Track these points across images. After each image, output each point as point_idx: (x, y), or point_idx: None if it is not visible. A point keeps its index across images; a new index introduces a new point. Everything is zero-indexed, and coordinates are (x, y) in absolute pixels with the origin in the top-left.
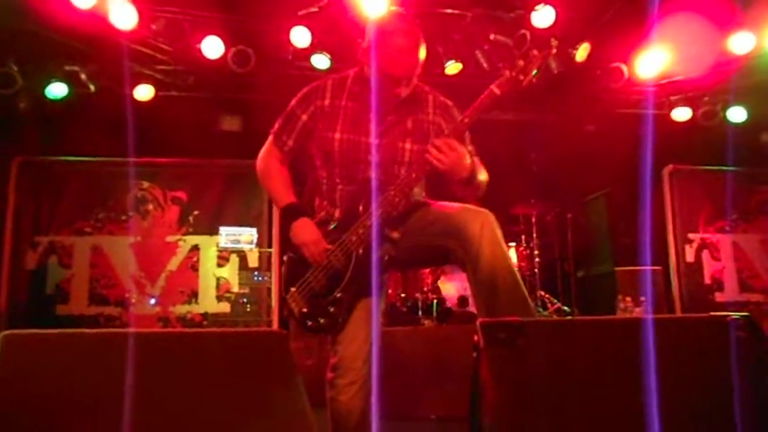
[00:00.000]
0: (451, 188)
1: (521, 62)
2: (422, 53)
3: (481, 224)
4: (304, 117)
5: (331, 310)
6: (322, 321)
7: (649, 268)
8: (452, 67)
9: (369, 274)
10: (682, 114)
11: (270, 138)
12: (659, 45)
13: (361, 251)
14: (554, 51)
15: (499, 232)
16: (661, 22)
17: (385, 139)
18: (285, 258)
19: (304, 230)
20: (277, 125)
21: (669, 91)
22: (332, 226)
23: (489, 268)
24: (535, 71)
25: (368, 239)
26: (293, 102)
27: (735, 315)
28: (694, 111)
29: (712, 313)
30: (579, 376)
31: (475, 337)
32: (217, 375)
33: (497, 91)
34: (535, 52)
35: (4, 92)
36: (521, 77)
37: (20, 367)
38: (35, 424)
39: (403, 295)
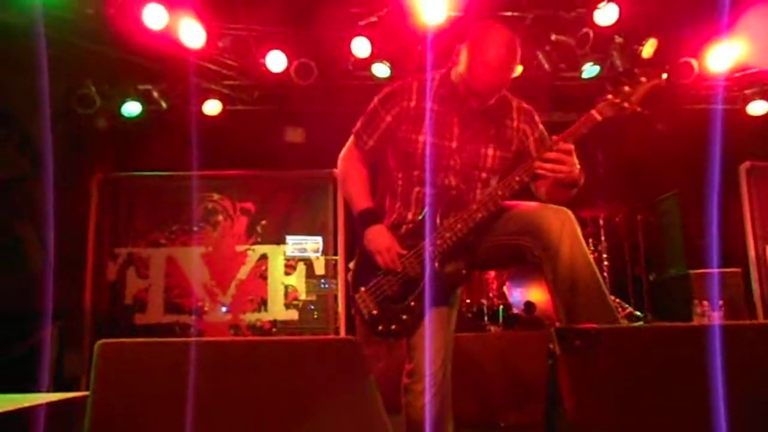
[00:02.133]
0: (550, 190)
1: (627, 88)
2: (517, 68)
3: (562, 222)
4: (389, 118)
5: (404, 317)
6: (393, 327)
7: (723, 270)
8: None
9: (443, 286)
10: (758, 108)
11: (351, 138)
12: (732, 37)
13: (437, 264)
14: (665, 78)
15: (579, 230)
16: (735, 14)
17: (469, 145)
18: (355, 257)
19: (379, 238)
20: (359, 125)
21: (743, 84)
22: (405, 230)
23: (568, 266)
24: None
25: (446, 252)
26: (376, 101)
27: None
28: None
29: None
30: (655, 383)
31: (551, 345)
32: (292, 384)
33: (598, 117)
34: (643, 79)
35: (84, 112)
36: (626, 105)
37: (114, 374)
38: (128, 427)
39: (468, 301)
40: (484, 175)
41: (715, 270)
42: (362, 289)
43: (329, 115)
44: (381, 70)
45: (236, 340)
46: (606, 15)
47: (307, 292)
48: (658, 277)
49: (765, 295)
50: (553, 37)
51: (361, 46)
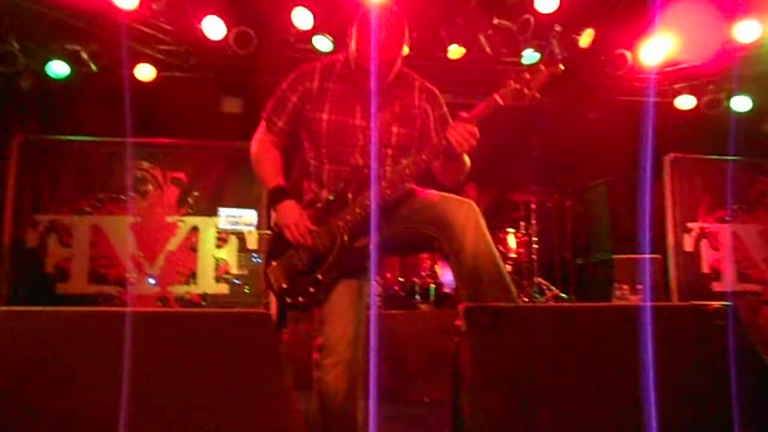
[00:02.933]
0: (435, 169)
1: (527, 75)
2: (404, 48)
3: (466, 214)
4: (294, 98)
5: (311, 290)
6: (301, 299)
7: (647, 256)
8: (455, 52)
9: (352, 260)
10: (685, 102)
11: (262, 121)
12: (664, 31)
13: (346, 238)
14: (562, 69)
15: (482, 222)
16: (666, 8)
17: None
18: (269, 233)
19: (288, 212)
20: (268, 107)
21: (673, 79)
22: (319, 207)
23: (472, 257)
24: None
25: (355, 227)
26: (283, 84)
27: (716, 304)
28: (698, 99)
29: (694, 302)
30: (558, 361)
31: (458, 322)
32: (202, 354)
33: (500, 101)
34: (543, 68)
35: (5, 70)
36: (525, 91)
37: (11, 344)
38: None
39: (401, 279)
40: (390, 152)
41: (647, 256)
42: (273, 263)
43: (268, 86)
44: (322, 43)
45: (140, 311)
46: (547, 2)
47: (239, 266)
48: (584, 261)
49: (680, 280)
50: (496, 21)
51: (302, 17)
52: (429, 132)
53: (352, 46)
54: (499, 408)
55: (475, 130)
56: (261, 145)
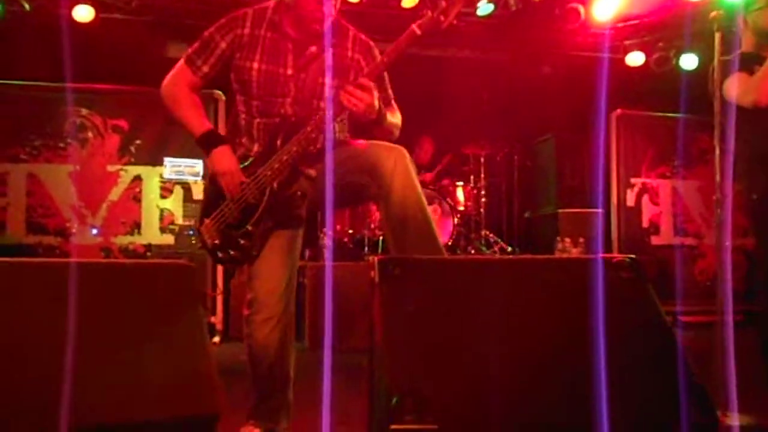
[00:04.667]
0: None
1: (443, 3)
2: None
3: (395, 160)
4: (223, 44)
5: (242, 242)
6: (232, 253)
7: (586, 210)
8: (409, 1)
9: (282, 208)
10: (635, 59)
11: (181, 63)
12: None
13: (275, 185)
14: None
15: (412, 168)
16: None
17: (305, 73)
18: (203, 190)
19: (223, 159)
20: (191, 50)
21: (623, 35)
22: (249, 161)
23: (400, 203)
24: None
25: (283, 174)
26: (211, 29)
27: (620, 257)
28: (647, 56)
29: (601, 255)
30: (470, 314)
31: (372, 273)
32: (123, 305)
33: (418, 31)
34: None
35: None
36: (442, 18)
37: None
38: None
39: (350, 231)
40: (321, 104)
41: (581, 210)
42: (206, 220)
43: None
44: None
45: (65, 261)
46: None
47: (184, 217)
48: (531, 215)
49: (621, 234)
50: None
51: None
52: None
53: None
54: (408, 360)
55: (370, 86)
56: (179, 88)
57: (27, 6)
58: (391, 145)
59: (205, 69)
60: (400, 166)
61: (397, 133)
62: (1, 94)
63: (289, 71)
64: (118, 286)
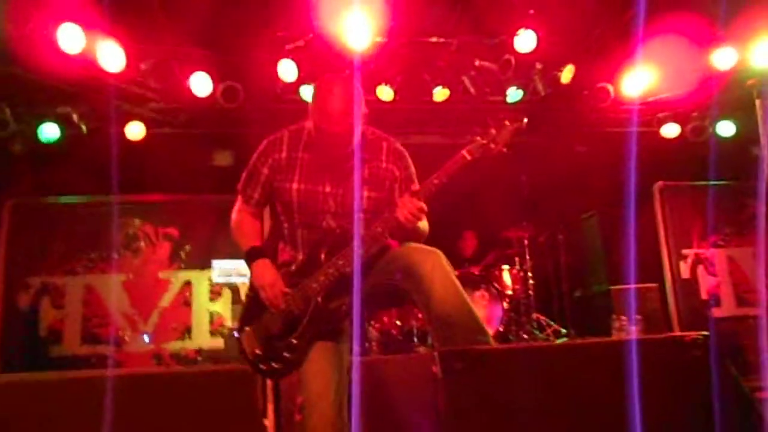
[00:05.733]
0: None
1: (493, 131)
2: (359, 112)
3: (432, 264)
4: (265, 170)
5: (286, 355)
6: (275, 365)
7: (640, 286)
8: (440, 94)
9: (326, 322)
10: (670, 131)
11: (238, 194)
12: (643, 65)
13: (320, 299)
14: (525, 123)
15: (450, 270)
16: (645, 43)
17: (343, 188)
18: (244, 297)
19: (264, 272)
20: (241, 182)
21: (656, 108)
22: (294, 269)
23: (441, 304)
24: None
25: (328, 287)
26: (254, 156)
27: (693, 335)
28: (682, 127)
29: (672, 334)
30: (537, 401)
31: (434, 368)
32: (183, 413)
33: (468, 156)
34: (507, 122)
35: None
36: (492, 146)
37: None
38: None
39: (398, 322)
40: (362, 216)
41: (632, 286)
42: (247, 328)
43: (258, 138)
44: (309, 92)
45: (124, 372)
46: (524, 42)
47: (233, 319)
48: (582, 294)
49: (680, 309)
50: (477, 62)
51: (288, 70)
52: (394, 194)
53: (310, 118)
54: None
55: (422, 204)
56: (239, 216)
57: (84, 128)
58: (428, 248)
59: (256, 196)
60: (438, 269)
61: (425, 235)
62: (58, 211)
63: (328, 188)
64: (182, 393)
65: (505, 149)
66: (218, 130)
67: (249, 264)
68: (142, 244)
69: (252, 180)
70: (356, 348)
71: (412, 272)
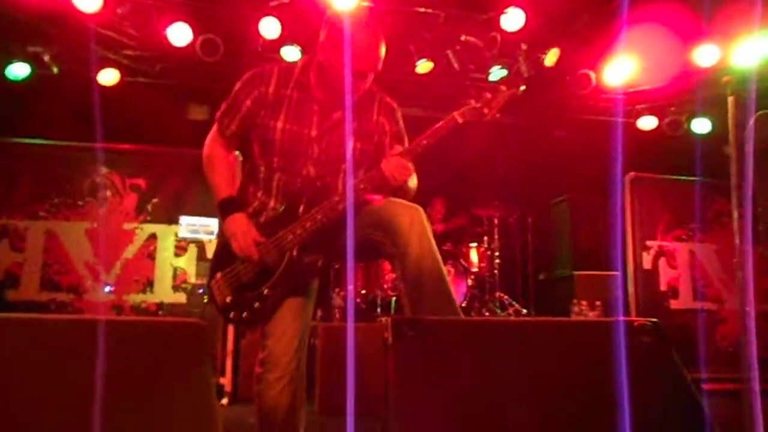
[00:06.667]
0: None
1: (488, 95)
2: (383, 50)
3: (411, 218)
4: (248, 102)
5: (256, 305)
6: (244, 315)
7: (603, 273)
8: (423, 66)
9: (299, 275)
10: (647, 123)
11: (215, 123)
12: (625, 54)
13: (295, 252)
14: (523, 90)
15: (428, 227)
16: (628, 32)
17: (329, 135)
18: (215, 244)
19: (236, 224)
20: (220, 110)
21: (636, 100)
22: (265, 218)
23: (416, 262)
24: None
25: (304, 241)
26: (237, 85)
27: (643, 321)
28: (659, 120)
29: (623, 318)
30: (485, 376)
31: (385, 334)
32: (131, 363)
33: (459, 119)
34: (504, 88)
35: None
36: (485, 110)
37: None
38: None
39: (363, 291)
40: (343, 166)
41: (597, 273)
42: (218, 275)
43: None
44: (291, 53)
45: (74, 318)
46: (512, 20)
47: (197, 275)
48: (546, 277)
49: (639, 298)
50: (463, 37)
51: (270, 27)
52: (384, 148)
53: (323, 52)
54: (422, 425)
55: (408, 163)
56: (212, 149)
57: (55, 69)
58: (409, 203)
59: (233, 128)
60: (417, 226)
61: (413, 194)
62: (24, 152)
63: (314, 133)
64: (127, 343)
65: (498, 115)
66: (195, 83)
67: (223, 215)
68: (108, 193)
69: (232, 110)
70: (350, 311)
71: (390, 225)
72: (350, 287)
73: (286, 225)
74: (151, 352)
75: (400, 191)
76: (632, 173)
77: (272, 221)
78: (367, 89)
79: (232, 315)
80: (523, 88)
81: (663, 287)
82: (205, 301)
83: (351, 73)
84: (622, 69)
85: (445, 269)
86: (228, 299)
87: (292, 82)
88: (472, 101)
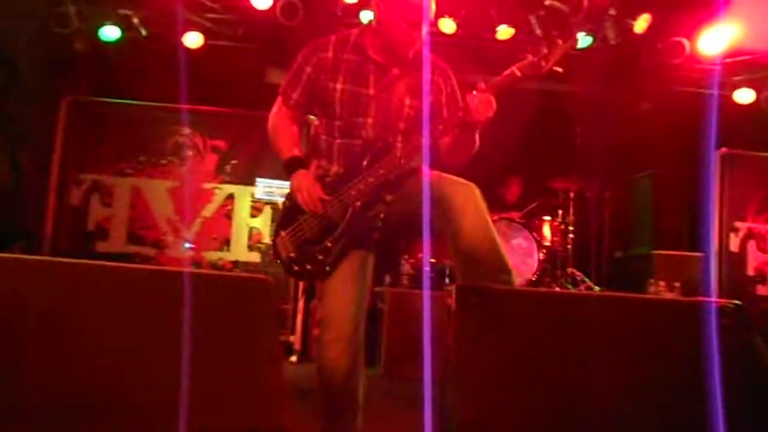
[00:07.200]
0: (444, 146)
1: (545, 49)
2: (430, 15)
3: (466, 196)
4: (308, 69)
5: (320, 257)
6: (308, 267)
7: (685, 254)
8: (504, 32)
9: (362, 228)
10: (744, 96)
11: (279, 95)
12: (727, 20)
13: (358, 205)
14: (577, 42)
15: (483, 205)
16: None
17: (387, 93)
18: (281, 203)
19: (303, 179)
20: (284, 82)
21: (732, 71)
22: (328, 181)
23: (470, 240)
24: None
25: (368, 195)
26: (299, 56)
27: (724, 302)
28: (757, 94)
29: (701, 299)
30: (550, 348)
31: (448, 300)
32: (200, 315)
33: (518, 73)
34: (560, 41)
35: (61, 31)
36: (543, 63)
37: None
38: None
39: (432, 260)
40: (401, 125)
41: (679, 253)
42: (282, 233)
43: None
44: (370, 16)
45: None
46: None
47: (272, 235)
48: (623, 255)
49: (723, 281)
50: (548, 1)
51: None
52: (440, 107)
53: (377, 10)
54: (479, 395)
55: (493, 99)
56: (277, 119)
57: (143, 32)
58: (463, 180)
59: (296, 96)
60: (471, 202)
61: (475, 149)
62: (113, 111)
63: (371, 92)
64: (199, 294)
65: (556, 68)
66: (274, 47)
67: (289, 173)
68: (190, 153)
69: (294, 79)
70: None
71: (443, 202)
72: (425, 259)
73: (349, 182)
74: (219, 305)
75: (469, 139)
76: (724, 149)
77: (335, 182)
78: (419, 51)
79: (296, 268)
80: (578, 37)
81: (750, 272)
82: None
83: (406, 24)
84: (721, 36)
85: (503, 244)
86: (292, 254)
87: (350, 46)
88: (529, 55)
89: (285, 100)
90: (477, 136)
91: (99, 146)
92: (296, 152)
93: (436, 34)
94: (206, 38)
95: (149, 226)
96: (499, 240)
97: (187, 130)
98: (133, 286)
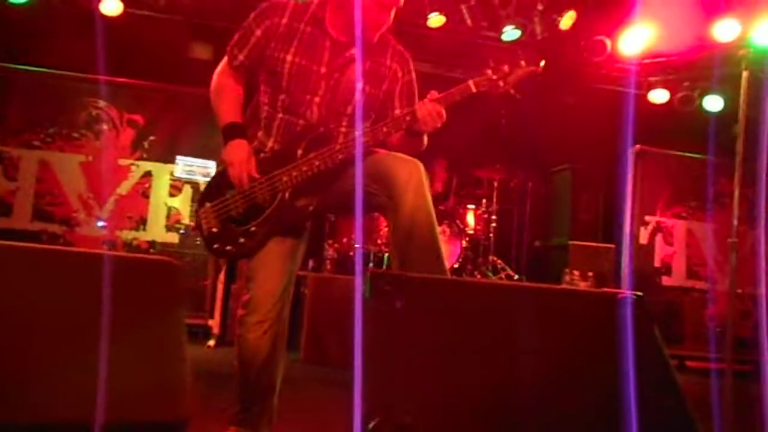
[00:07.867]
0: (402, 142)
1: (506, 68)
2: (393, 10)
3: (409, 172)
4: (258, 32)
5: (241, 240)
6: (228, 248)
7: (598, 245)
8: (435, 20)
9: (289, 218)
10: (659, 96)
11: (225, 55)
12: (643, 21)
13: (287, 195)
14: (541, 69)
15: (426, 183)
16: None
17: (339, 73)
18: (212, 173)
19: (237, 150)
20: (233, 39)
21: (649, 71)
22: (262, 156)
23: (409, 216)
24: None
25: (298, 184)
26: (250, 17)
27: (627, 293)
28: (671, 95)
29: (605, 290)
30: (458, 338)
31: (363, 287)
32: (101, 299)
33: (474, 89)
34: (523, 63)
35: None
36: (501, 84)
37: None
38: None
39: (356, 245)
40: (350, 109)
41: (593, 244)
42: (207, 204)
43: None
44: None
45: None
46: None
47: (191, 217)
48: (542, 245)
49: (632, 273)
50: None
51: None
52: (393, 97)
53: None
54: (389, 383)
55: (443, 111)
56: (221, 78)
57: None
58: (408, 157)
59: (241, 57)
60: (414, 179)
61: (421, 150)
62: (20, 79)
63: (323, 69)
64: (100, 278)
65: (512, 91)
66: (200, 21)
67: (225, 140)
68: (105, 126)
69: (242, 39)
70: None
71: (387, 177)
72: (358, 241)
73: (282, 166)
74: (122, 289)
75: (416, 143)
76: (638, 146)
77: (269, 160)
78: (383, 34)
79: (216, 246)
80: (543, 63)
81: (657, 263)
82: (197, 241)
83: (377, 5)
84: (638, 37)
85: (438, 228)
86: (214, 229)
87: (307, 16)
88: (489, 71)
89: (230, 59)
90: (425, 138)
91: (3, 115)
92: (237, 118)
93: None
94: (125, 6)
95: (58, 202)
96: (435, 222)
97: (102, 103)
98: (31, 267)
